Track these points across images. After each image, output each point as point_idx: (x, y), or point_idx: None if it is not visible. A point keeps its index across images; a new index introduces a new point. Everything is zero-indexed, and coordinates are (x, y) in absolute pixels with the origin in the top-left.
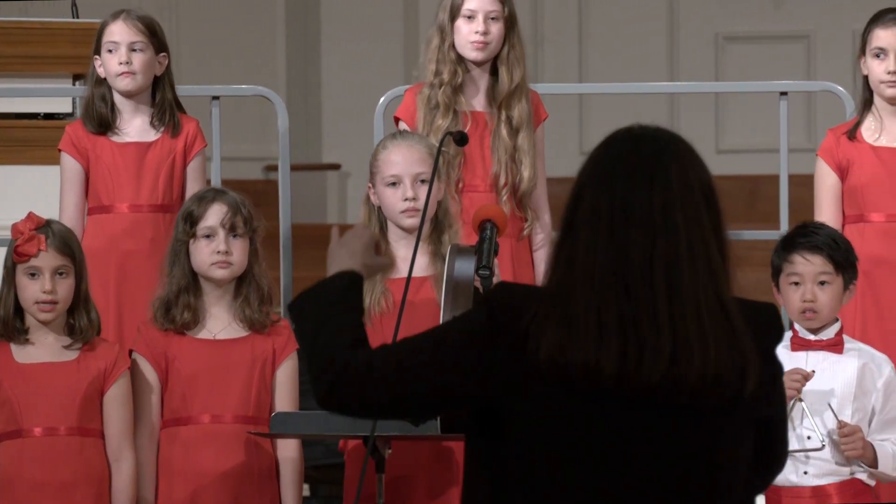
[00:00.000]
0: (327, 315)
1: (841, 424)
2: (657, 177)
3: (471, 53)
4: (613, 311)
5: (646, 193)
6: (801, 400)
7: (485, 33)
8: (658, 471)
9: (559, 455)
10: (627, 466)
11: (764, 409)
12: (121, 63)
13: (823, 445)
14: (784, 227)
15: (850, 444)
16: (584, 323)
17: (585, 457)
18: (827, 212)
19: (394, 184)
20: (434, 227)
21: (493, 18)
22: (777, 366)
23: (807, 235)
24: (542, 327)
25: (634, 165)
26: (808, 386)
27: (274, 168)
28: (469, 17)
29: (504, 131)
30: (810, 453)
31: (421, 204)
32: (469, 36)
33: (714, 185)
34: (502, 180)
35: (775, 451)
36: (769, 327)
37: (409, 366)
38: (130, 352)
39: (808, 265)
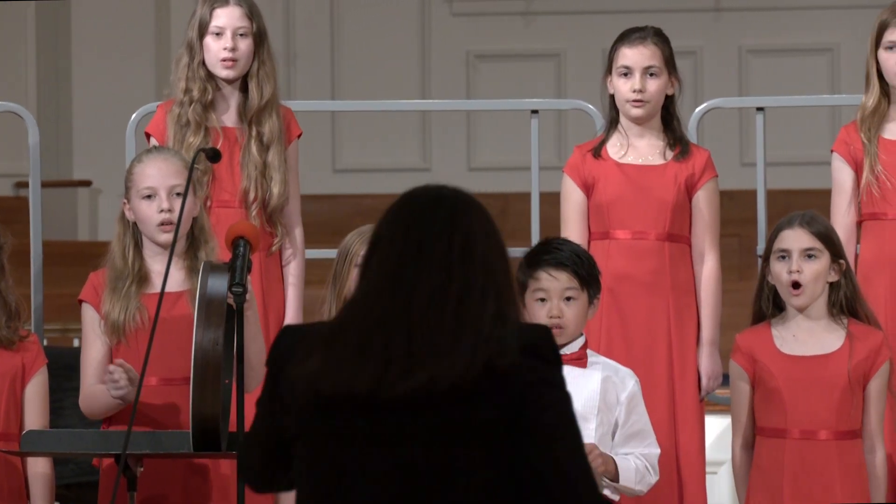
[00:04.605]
0: None
1: None
2: (455, 232)
3: (221, 71)
4: (378, 341)
5: (444, 239)
6: None
7: (233, 49)
8: (415, 475)
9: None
10: (388, 476)
11: (524, 414)
12: None
13: None
14: (535, 244)
15: (591, 463)
16: (343, 353)
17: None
18: (573, 228)
19: (149, 196)
20: (190, 243)
21: (241, 35)
22: (543, 374)
23: (551, 252)
24: (306, 362)
25: (431, 220)
26: None
27: (24, 185)
28: (217, 34)
29: (254, 147)
30: None
31: (175, 217)
32: (218, 53)
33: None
34: (252, 195)
35: (546, 476)
36: (536, 339)
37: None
38: None
39: (553, 281)
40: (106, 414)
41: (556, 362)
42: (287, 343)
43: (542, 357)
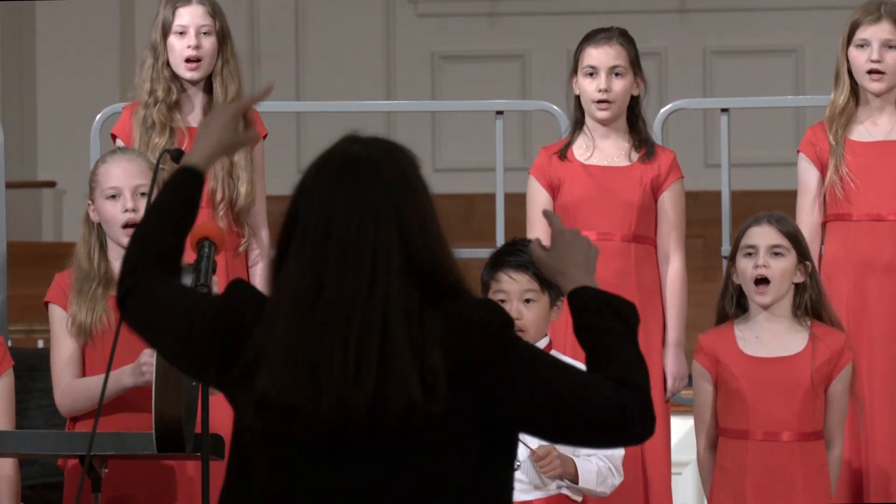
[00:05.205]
0: (149, 217)
1: (532, 452)
2: (379, 225)
3: (185, 73)
4: (301, 350)
5: (367, 239)
6: None
7: (197, 47)
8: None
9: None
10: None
11: (495, 400)
12: None
13: (519, 466)
14: (500, 245)
15: (548, 465)
16: (278, 361)
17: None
18: (539, 230)
19: (113, 196)
20: None
21: (205, 33)
22: (497, 372)
23: (514, 253)
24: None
25: (350, 210)
26: None
27: None
28: (181, 33)
29: None
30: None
31: (140, 217)
32: (182, 52)
33: (418, 196)
34: (219, 196)
35: (564, 417)
36: (476, 325)
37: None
38: None
39: (512, 283)
40: (93, 406)
41: (502, 339)
42: (252, 303)
43: (489, 353)
